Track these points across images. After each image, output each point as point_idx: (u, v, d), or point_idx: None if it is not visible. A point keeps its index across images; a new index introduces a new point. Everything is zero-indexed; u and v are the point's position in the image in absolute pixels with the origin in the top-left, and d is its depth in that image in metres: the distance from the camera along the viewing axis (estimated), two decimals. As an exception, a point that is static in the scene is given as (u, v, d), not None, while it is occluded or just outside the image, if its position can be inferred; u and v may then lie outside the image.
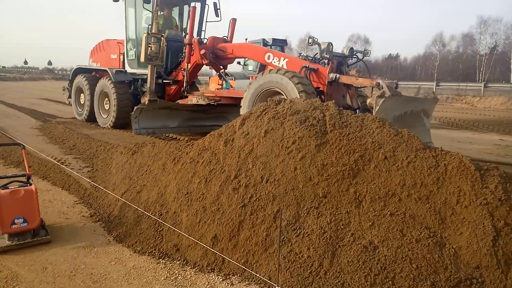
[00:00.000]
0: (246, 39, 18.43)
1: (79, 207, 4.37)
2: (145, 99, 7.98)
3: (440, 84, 23.00)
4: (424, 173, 3.33)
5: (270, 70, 6.53)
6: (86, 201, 4.53)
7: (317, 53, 6.47)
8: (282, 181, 3.46)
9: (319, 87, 6.28)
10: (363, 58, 6.66)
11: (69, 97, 11.11)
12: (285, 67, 6.60)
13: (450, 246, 2.94)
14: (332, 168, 3.46)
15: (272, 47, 17.98)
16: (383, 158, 3.48)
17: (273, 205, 3.32)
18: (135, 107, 7.50)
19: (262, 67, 17.09)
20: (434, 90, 22.20)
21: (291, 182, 3.44)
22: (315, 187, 3.38)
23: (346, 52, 6.44)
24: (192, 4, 9.17)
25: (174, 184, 3.90)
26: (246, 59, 18.31)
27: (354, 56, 6.57)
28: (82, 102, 10.55)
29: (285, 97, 5.88)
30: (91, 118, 10.02)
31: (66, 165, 5.74)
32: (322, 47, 6.18)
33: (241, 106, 6.74)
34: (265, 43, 17.37)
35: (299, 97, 5.56)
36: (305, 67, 6.35)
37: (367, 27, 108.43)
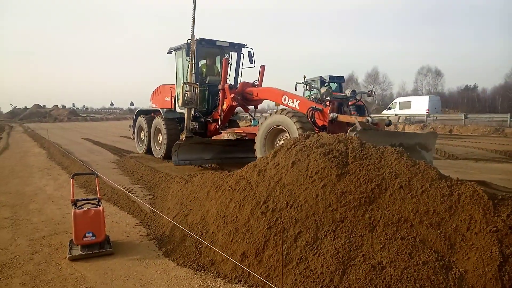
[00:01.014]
0: (304, 76, 19.12)
1: (139, 228, 5.13)
2: (182, 136, 9.37)
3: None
4: (437, 201, 3.55)
5: (277, 111, 7.54)
6: (145, 223, 5.28)
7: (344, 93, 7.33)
8: (305, 206, 3.89)
9: (324, 124, 7.18)
10: (361, 98, 7.84)
11: (133, 133, 13.14)
12: (297, 107, 7.64)
13: (457, 269, 3.12)
14: (350, 196, 3.82)
15: (330, 83, 18.55)
16: (399, 187, 3.77)
17: (295, 227, 3.75)
18: (175, 143, 8.87)
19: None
20: (509, 122, 20.84)
21: (312, 208, 3.85)
22: (334, 213, 3.75)
23: (348, 94, 7.40)
24: (226, 55, 10.48)
25: (215, 208, 4.50)
26: (306, 97, 19.03)
27: (354, 97, 7.58)
28: (142, 138, 12.41)
29: (288, 134, 7.00)
30: (149, 151, 11.69)
31: (133, 193, 6.66)
32: (322, 91, 7.23)
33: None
34: (322, 80, 17.97)
35: (297, 132, 6.58)
36: (312, 107, 7.37)
37: (440, 58, 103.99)
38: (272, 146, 7.74)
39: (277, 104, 9.99)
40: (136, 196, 6.47)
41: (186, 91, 8.97)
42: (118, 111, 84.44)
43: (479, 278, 3.01)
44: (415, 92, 73.05)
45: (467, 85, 70.91)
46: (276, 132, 7.69)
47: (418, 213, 3.54)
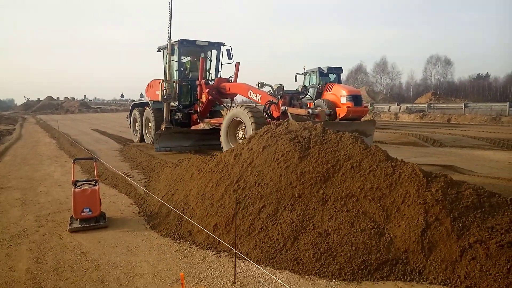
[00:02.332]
0: (304, 67, 19.68)
1: (133, 207, 5.77)
2: (162, 127, 10.75)
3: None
4: (381, 179, 4.11)
5: (236, 105, 8.80)
6: (139, 203, 5.92)
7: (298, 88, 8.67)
8: (270, 184, 4.48)
9: (278, 116, 8.29)
10: (308, 93, 9.58)
11: (129, 124, 14.42)
12: (259, 101, 8.86)
13: (388, 235, 3.69)
14: (309, 175, 4.40)
15: (330, 74, 18.96)
16: (350, 167, 4.34)
17: (260, 202, 4.34)
18: (156, 132, 10.24)
19: (319, 94, 18.08)
20: (508, 111, 21.01)
21: (276, 186, 4.44)
22: (293, 190, 4.34)
23: (300, 89, 8.65)
24: (202, 55, 11.59)
25: (196, 188, 5.12)
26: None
27: (306, 92, 8.87)
28: (136, 128, 13.65)
29: (244, 124, 8.14)
30: (142, 139, 12.92)
31: (130, 177, 7.32)
32: (274, 88, 8.32)
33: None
34: (321, 71, 18.39)
35: (251, 123, 7.79)
36: (269, 101, 8.58)
37: (452, 47, 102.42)
38: (233, 135, 8.88)
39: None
40: (133, 179, 7.13)
41: (164, 87, 10.25)
42: (128, 102, 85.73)
43: (405, 242, 3.58)
44: (424, 81, 72.60)
45: (479, 73, 69.89)
46: (236, 123, 8.84)
47: (364, 189, 4.11)
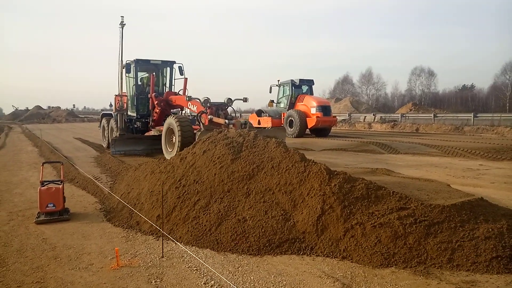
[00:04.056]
0: (278, 80, 20.77)
1: (96, 204, 6.54)
2: (116, 134, 12.92)
3: (478, 115, 22.98)
4: (294, 176, 4.98)
5: (170, 116, 10.79)
6: (102, 201, 6.69)
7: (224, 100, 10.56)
8: (205, 182, 5.32)
9: (207, 124, 10.00)
10: (232, 104, 10.50)
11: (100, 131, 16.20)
12: (195, 111, 10.46)
13: (292, 220, 4.55)
14: (237, 174, 5.25)
15: (302, 86, 20.00)
16: (271, 167, 5.21)
17: (195, 197, 5.17)
18: (112, 138, 12.40)
19: (291, 105, 19.11)
20: (472, 121, 22.26)
21: (211, 183, 5.28)
22: (224, 186, 5.18)
23: (226, 101, 10.18)
24: (151, 73, 13.16)
25: (147, 186, 5.93)
26: (279, 98, 20.52)
27: (230, 104, 10.33)
28: (105, 135, 15.20)
29: (175, 132, 9.85)
30: (109, 146, 13.84)
31: (99, 180, 8.09)
32: (202, 100, 9.93)
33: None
34: (293, 83, 19.43)
35: (178, 130, 9.73)
36: (201, 111, 10.19)
37: (437, 58, 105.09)
38: (170, 141, 10.53)
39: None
40: (101, 182, 7.91)
41: (118, 101, 12.33)
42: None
43: (304, 225, 4.44)
44: (409, 92, 74.45)
45: (464, 85, 71.76)
46: (171, 130, 10.50)
47: (280, 184, 4.98)
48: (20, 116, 59.25)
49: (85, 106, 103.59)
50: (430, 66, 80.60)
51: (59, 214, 5.63)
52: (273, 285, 3.44)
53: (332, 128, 20.37)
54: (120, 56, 12.27)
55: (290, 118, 18.79)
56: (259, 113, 20.95)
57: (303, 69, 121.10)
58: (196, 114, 10.52)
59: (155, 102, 12.49)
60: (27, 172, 10.02)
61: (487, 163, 9.95)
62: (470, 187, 7.00)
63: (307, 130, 18.88)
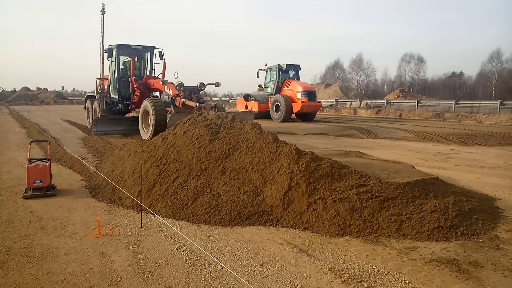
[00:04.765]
0: (266, 64, 21.00)
1: (82, 182, 6.87)
2: (97, 115, 13.90)
3: (459, 102, 23.58)
4: (266, 156, 5.37)
5: (147, 99, 11.30)
6: (88, 179, 7.02)
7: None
8: (184, 161, 5.68)
9: (180, 106, 10.84)
10: (205, 88, 11.12)
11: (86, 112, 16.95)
12: (171, 94, 11.12)
13: (262, 195, 4.95)
14: (214, 153, 5.62)
15: (289, 71, 20.27)
16: (246, 147, 5.58)
17: (174, 174, 5.54)
18: (93, 119, 13.55)
19: (278, 89, 19.42)
20: (454, 107, 22.86)
21: (189, 161, 5.64)
22: (201, 164, 5.55)
23: (198, 85, 10.85)
24: (135, 58, 13.73)
25: (130, 165, 6.28)
26: (266, 83, 20.79)
27: (202, 89, 10.96)
28: (89, 116, 16.07)
29: (150, 113, 10.65)
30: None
31: (85, 160, 8.40)
32: (176, 84, 10.66)
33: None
34: (280, 68, 19.70)
35: (152, 110, 10.65)
36: (175, 94, 10.93)
37: (424, 44, 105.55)
38: (146, 122, 11.21)
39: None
40: (87, 161, 8.22)
41: (99, 84, 13.10)
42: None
43: (272, 199, 4.84)
44: (398, 79, 75.03)
45: (453, 72, 72.37)
46: (147, 113, 11.27)
47: (253, 163, 5.36)
48: (7, 98, 58.39)
49: (74, 88, 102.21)
50: (420, 52, 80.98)
51: (46, 190, 5.96)
52: (238, 251, 3.85)
53: (317, 113, 20.77)
54: (102, 41, 13.03)
55: (276, 103, 19.12)
56: (247, 97, 21.23)
57: (294, 53, 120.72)
58: (171, 96, 11.23)
59: (135, 86, 13.17)
60: (15, 152, 10.26)
61: (458, 148, 10.48)
62: (436, 169, 7.48)
63: (293, 114, 19.27)
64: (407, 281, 3.16)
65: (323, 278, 3.25)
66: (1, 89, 68.02)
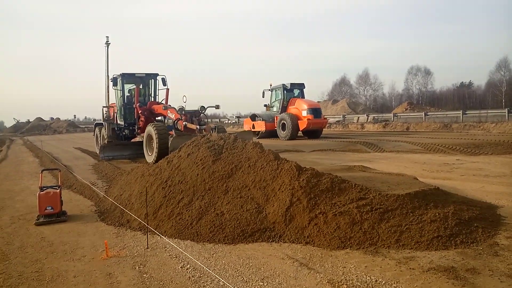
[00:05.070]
0: (270, 84, 21.33)
1: (92, 207, 7.06)
2: (104, 141, 14.70)
3: (466, 112, 23.51)
4: (267, 173, 5.50)
5: (151, 124, 11.85)
6: (97, 204, 7.22)
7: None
8: (189, 182, 5.84)
9: (182, 130, 11.40)
10: (205, 111, 11.57)
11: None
12: (173, 118, 11.76)
13: (265, 212, 5.06)
14: (218, 173, 5.78)
15: (294, 90, 20.55)
16: (248, 166, 5.73)
17: (179, 195, 5.69)
18: (100, 145, 14.19)
19: (284, 108, 19.65)
20: (462, 118, 22.75)
21: (193, 182, 5.80)
22: (205, 185, 5.70)
23: (199, 108, 11.29)
24: (140, 86, 14.56)
25: (137, 188, 6.46)
26: (272, 102, 21.08)
27: (202, 112, 11.39)
28: (98, 142, 16.56)
29: (153, 138, 11.06)
30: None
31: (95, 186, 8.63)
32: (177, 108, 11.20)
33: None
34: (284, 87, 20.00)
35: (155, 134, 10.99)
36: (178, 118, 11.56)
37: (430, 57, 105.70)
38: (150, 146, 11.77)
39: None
40: (97, 187, 8.44)
41: (105, 112, 14.12)
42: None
43: (274, 216, 4.95)
44: (406, 91, 74.96)
45: (462, 82, 72.02)
46: (150, 137, 11.84)
47: (255, 181, 5.50)
48: (21, 129, 59.89)
49: (86, 116, 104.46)
50: (426, 65, 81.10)
51: (57, 216, 6.15)
52: (240, 267, 3.95)
53: (323, 129, 20.89)
54: (107, 71, 13.85)
55: (283, 121, 19.33)
56: (253, 117, 21.50)
57: (300, 71, 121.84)
58: (173, 121, 11.80)
59: (139, 112, 13.82)
60: (28, 181, 10.56)
61: (464, 158, 10.46)
62: (440, 179, 7.50)
63: (300, 132, 19.41)
64: (404, 290, 3.21)
65: (322, 290, 3.32)
66: (16, 121, 69.80)
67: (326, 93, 78.36)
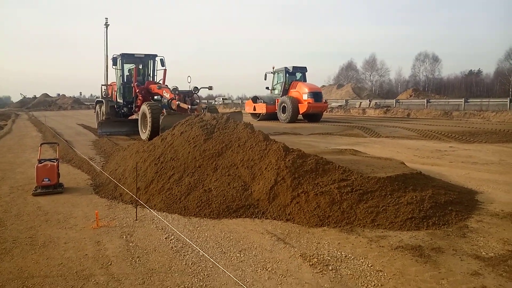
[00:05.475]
0: (273, 67, 21.31)
1: (88, 180, 7.31)
2: (103, 117, 15.26)
3: (468, 100, 23.42)
4: (256, 153, 5.68)
5: (145, 103, 12.28)
6: (93, 178, 7.46)
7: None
8: (180, 159, 6.04)
9: (175, 109, 11.77)
10: (198, 91, 11.92)
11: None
12: (168, 97, 12.05)
13: (250, 190, 5.26)
14: (208, 152, 5.96)
15: (296, 73, 20.54)
16: (237, 146, 5.91)
17: (171, 171, 5.90)
18: (98, 121, 14.88)
19: (285, 91, 19.70)
20: (463, 106, 22.69)
21: (185, 160, 6.00)
22: (196, 162, 5.90)
23: (192, 89, 11.65)
24: (139, 66, 15.04)
25: (131, 163, 6.67)
26: (274, 85, 21.11)
27: (195, 92, 11.72)
28: (98, 118, 17.12)
29: (147, 116, 11.37)
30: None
31: (93, 160, 8.87)
32: (171, 88, 11.65)
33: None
34: (287, 70, 19.99)
35: (149, 112, 11.31)
36: (171, 98, 11.94)
37: (437, 43, 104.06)
38: (145, 124, 12.04)
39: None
40: (94, 162, 8.68)
41: (104, 90, 14.90)
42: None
43: (259, 194, 5.15)
44: (413, 78, 74.25)
45: (471, 70, 71.00)
46: (145, 115, 12.26)
47: (243, 160, 5.68)
48: (27, 104, 60.37)
49: (91, 94, 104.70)
50: (435, 51, 79.99)
51: (53, 188, 6.40)
52: (221, 240, 4.17)
53: (325, 113, 20.96)
54: (106, 51, 14.42)
55: (283, 104, 19.41)
56: (255, 99, 21.58)
57: (308, 55, 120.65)
58: (168, 100, 12.18)
59: (137, 91, 14.27)
60: (30, 154, 10.82)
61: (457, 145, 10.57)
62: (428, 165, 7.66)
63: (300, 115, 19.51)
64: (370, 265, 3.42)
65: (293, 263, 3.54)
66: (22, 96, 70.24)
67: (332, 77, 77.79)
